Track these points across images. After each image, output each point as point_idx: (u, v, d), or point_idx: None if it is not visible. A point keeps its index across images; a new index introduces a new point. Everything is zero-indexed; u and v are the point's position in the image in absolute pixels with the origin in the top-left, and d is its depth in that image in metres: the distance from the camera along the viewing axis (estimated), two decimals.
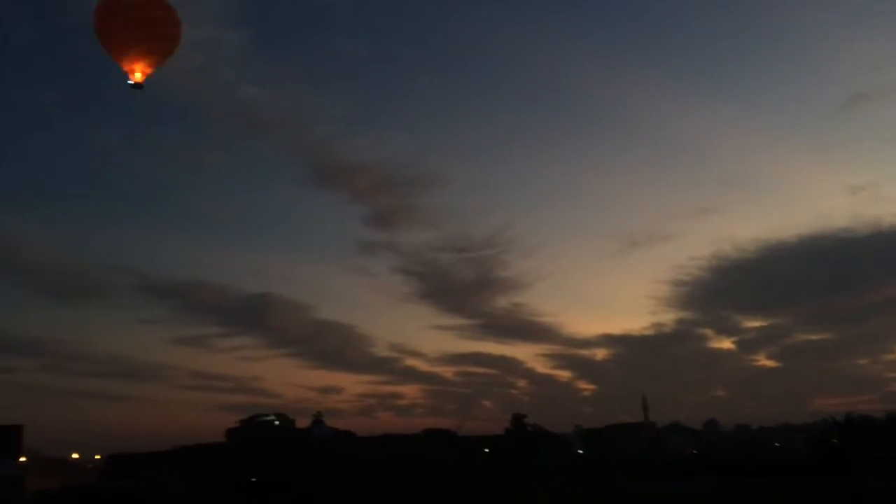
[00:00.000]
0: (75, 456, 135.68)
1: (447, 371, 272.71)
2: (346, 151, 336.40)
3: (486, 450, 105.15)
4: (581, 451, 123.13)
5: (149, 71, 48.72)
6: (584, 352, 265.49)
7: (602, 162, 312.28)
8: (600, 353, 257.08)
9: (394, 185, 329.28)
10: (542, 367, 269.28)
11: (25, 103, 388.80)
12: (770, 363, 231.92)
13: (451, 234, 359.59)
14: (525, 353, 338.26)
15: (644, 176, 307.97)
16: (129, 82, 46.78)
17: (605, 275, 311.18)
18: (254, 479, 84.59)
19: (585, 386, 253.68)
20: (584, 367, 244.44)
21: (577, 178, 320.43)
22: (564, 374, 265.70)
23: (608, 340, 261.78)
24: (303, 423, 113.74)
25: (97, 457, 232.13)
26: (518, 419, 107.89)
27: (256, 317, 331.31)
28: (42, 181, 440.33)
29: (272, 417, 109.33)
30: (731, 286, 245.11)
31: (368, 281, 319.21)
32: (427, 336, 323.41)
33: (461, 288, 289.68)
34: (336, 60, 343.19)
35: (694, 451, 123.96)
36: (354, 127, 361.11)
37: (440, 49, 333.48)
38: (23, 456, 78.36)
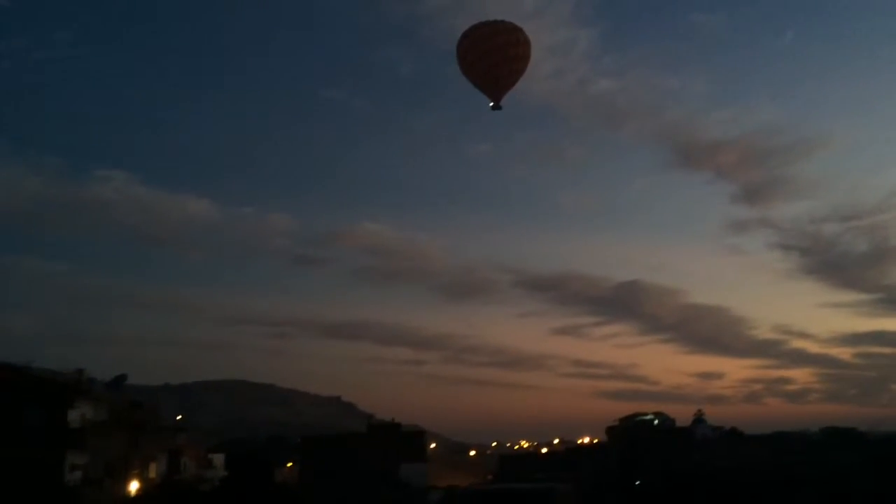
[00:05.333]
0: (472, 453, 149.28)
1: (843, 352, 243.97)
2: (708, 129, 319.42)
3: None
4: None
5: (506, 91, 51.30)
6: None
7: None
8: None
9: (763, 157, 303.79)
10: None
11: (407, 127, 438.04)
12: None
13: (836, 202, 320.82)
14: None
15: None
16: (490, 104, 49.99)
17: None
18: (637, 483, 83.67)
19: None
20: None
21: None
22: None
23: None
24: (684, 411, 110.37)
25: (493, 444, 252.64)
26: None
27: (628, 304, 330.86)
28: (427, 194, 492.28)
29: (651, 416, 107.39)
30: None
31: (742, 260, 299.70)
32: (816, 315, 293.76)
33: (853, 260, 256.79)
34: (690, 37, 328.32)
35: None
36: (715, 102, 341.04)
37: (805, 1, 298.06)
38: (432, 442, 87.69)
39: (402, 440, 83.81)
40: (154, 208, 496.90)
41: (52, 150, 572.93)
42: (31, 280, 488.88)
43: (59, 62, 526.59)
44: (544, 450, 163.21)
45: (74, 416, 46.09)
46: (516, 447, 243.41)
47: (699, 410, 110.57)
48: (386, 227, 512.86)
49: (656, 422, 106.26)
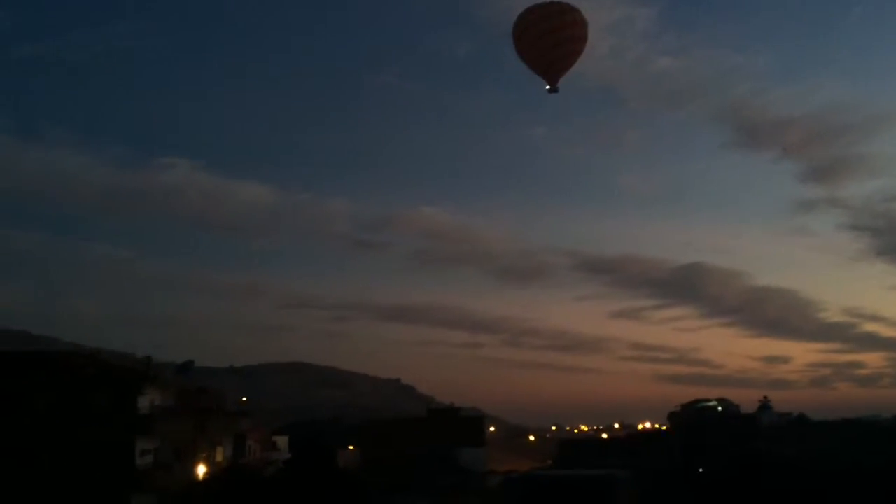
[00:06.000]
0: (531, 437, 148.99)
1: None
2: (773, 106, 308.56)
3: None
4: None
5: (563, 74, 50.44)
6: None
7: None
8: None
9: (831, 135, 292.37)
10: None
11: (462, 110, 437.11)
12: None
13: None
14: None
15: None
16: (546, 87, 49.28)
17: None
18: (700, 471, 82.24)
19: None
20: None
21: None
22: None
23: None
24: (748, 396, 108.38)
25: (552, 428, 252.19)
26: None
27: (689, 287, 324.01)
28: (484, 178, 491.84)
29: (714, 403, 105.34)
30: None
31: (810, 241, 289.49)
32: (888, 297, 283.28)
33: None
34: (754, 12, 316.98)
35: None
36: (780, 79, 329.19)
37: None
38: (491, 426, 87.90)
39: (460, 425, 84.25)
40: (216, 195, 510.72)
41: (118, 139, 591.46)
42: (100, 265, 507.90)
43: (122, 53, 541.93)
44: (604, 435, 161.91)
45: (144, 402, 47.56)
46: (575, 431, 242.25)
47: (765, 397, 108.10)
48: (443, 210, 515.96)
49: (720, 408, 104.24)
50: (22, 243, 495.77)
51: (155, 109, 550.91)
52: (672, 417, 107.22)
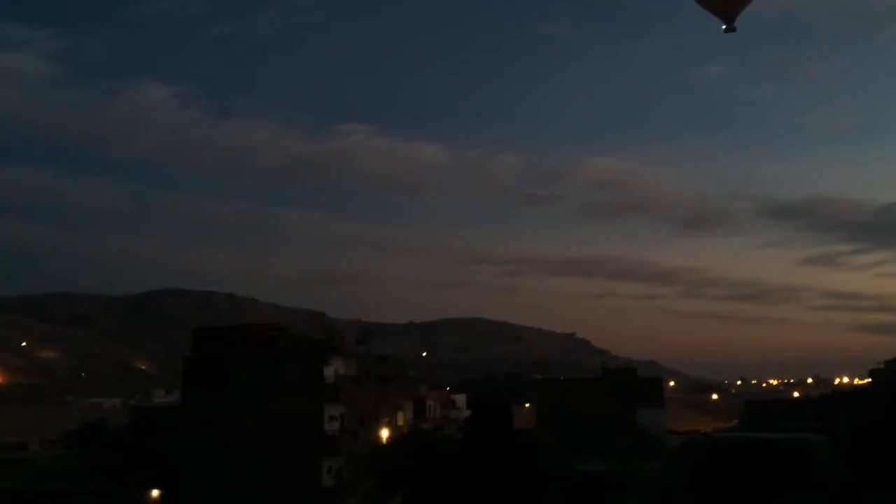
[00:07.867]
0: (714, 396, 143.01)
1: None
2: None
3: None
4: None
5: (741, 11, 46.91)
6: None
7: None
8: None
9: None
10: None
11: (632, 55, 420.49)
12: None
13: None
14: None
15: None
16: (722, 27, 46.18)
17: None
18: None
19: None
20: None
21: None
22: None
23: None
24: None
25: (738, 382, 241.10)
26: None
27: (894, 229, 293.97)
28: (657, 123, 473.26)
29: None
30: None
31: None
32: None
33: None
34: None
35: None
36: None
37: None
38: (670, 380, 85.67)
39: (638, 385, 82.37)
40: (391, 157, 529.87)
41: (303, 108, 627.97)
42: (290, 228, 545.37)
43: (303, 27, 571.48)
44: (796, 393, 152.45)
45: (329, 371, 50.52)
46: (763, 385, 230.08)
47: None
48: (613, 160, 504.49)
49: None
50: (223, 212, 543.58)
51: (334, 78, 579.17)
52: (875, 374, 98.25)
